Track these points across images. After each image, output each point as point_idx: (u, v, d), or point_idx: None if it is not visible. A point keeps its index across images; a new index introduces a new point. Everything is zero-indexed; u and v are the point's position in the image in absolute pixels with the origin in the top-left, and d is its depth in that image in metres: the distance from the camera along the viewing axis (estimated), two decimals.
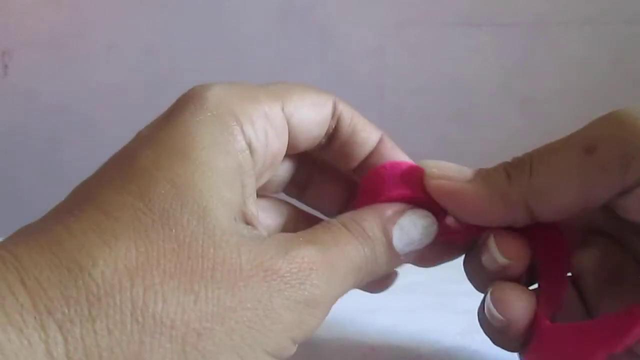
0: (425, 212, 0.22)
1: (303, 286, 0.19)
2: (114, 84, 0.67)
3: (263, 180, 0.23)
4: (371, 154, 0.25)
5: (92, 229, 0.16)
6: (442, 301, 0.36)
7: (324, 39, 0.66)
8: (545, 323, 0.21)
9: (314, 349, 0.31)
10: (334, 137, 0.24)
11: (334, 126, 0.24)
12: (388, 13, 0.66)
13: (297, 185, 0.26)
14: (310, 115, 0.23)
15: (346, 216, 0.22)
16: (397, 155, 0.25)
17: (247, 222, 0.19)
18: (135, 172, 0.18)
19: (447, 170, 0.22)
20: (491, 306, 0.22)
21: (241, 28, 0.66)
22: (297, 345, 0.19)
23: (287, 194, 0.26)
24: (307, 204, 0.27)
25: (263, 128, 0.21)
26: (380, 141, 0.25)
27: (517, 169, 0.21)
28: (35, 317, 0.15)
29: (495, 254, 0.22)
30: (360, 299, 0.37)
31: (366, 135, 0.24)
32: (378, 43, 0.66)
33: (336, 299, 0.20)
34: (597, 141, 0.19)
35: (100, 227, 0.16)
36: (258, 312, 0.17)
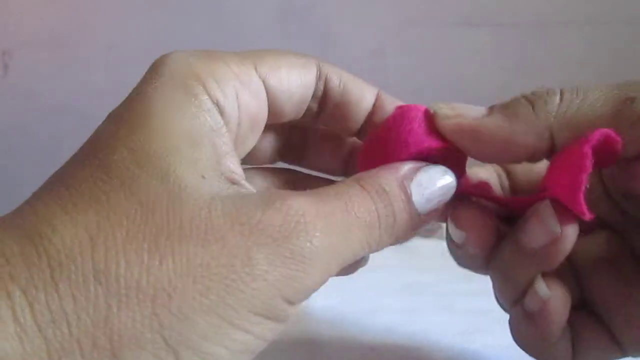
0: (442, 168, 0.21)
1: (288, 239, 0.17)
2: (114, 84, 0.67)
3: (249, 145, 0.22)
4: (372, 113, 0.23)
5: (54, 201, 0.17)
6: (442, 301, 0.36)
7: (324, 39, 0.66)
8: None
9: (314, 349, 0.31)
10: (325, 101, 0.23)
11: (322, 89, 0.23)
12: (388, 13, 0.66)
13: (293, 151, 0.25)
14: (290, 77, 0.22)
15: (359, 175, 0.20)
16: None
17: (229, 180, 0.18)
18: (96, 145, 0.18)
19: (461, 108, 0.21)
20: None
21: (241, 28, 0.66)
22: (295, 306, 0.17)
23: (285, 161, 0.26)
24: (308, 167, 0.26)
25: (232, 87, 0.20)
26: (377, 98, 0.23)
27: (543, 98, 0.20)
28: (0, 287, 0.15)
29: (453, 231, 0.22)
30: (360, 299, 0.37)
31: (359, 93, 0.23)
32: (378, 43, 0.66)
33: (341, 257, 0.18)
34: (638, 94, 0.19)
35: (61, 198, 0.17)
36: (235, 269, 0.16)
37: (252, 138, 0.22)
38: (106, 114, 0.21)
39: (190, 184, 0.17)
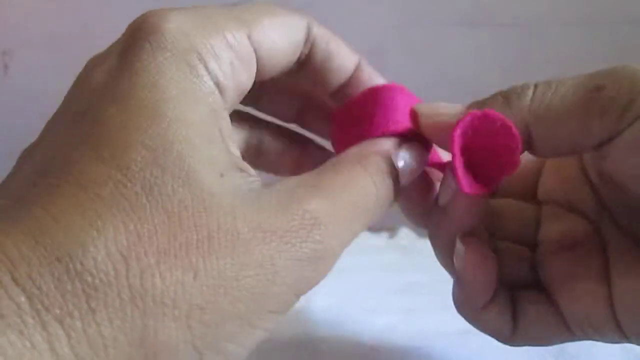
0: (416, 144, 0.22)
1: (305, 244, 0.18)
2: None
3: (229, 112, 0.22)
4: (348, 80, 0.24)
5: (75, 209, 0.15)
6: (442, 301, 0.36)
7: None
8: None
9: (314, 349, 0.31)
10: (306, 63, 0.23)
11: (306, 52, 0.22)
12: (388, 13, 0.66)
13: (249, 94, 0.25)
14: (282, 42, 0.21)
15: (354, 152, 0.21)
16: (375, 81, 0.24)
17: (238, 169, 0.18)
18: (102, 134, 0.16)
19: (440, 108, 0.22)
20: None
21: None
22: (300, 297, 0.18)
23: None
24: (261, 111, 0.25)
25: (229, 61, 0.19)
26: (357, 68, 0.24)
27: (516, 94, 0.21)
28: (33, 317, 0.14)
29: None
30: (360, 299, 0.37)
31: (341, 62, 0.23)
32: (378, 43, 0.66)
33: (344, 248, 0.19)
34: (607, 82, 0.20)
35: (83, 206, 0.15)
36: (260, 278, 0.17)
37: (234, 106, 0.22)
38: None
39: (212, 187, 0.17)
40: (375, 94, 0.23)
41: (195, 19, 0.19)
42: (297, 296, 0.18)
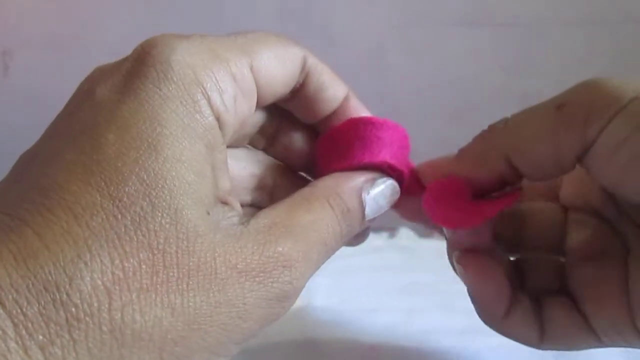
0: (391, 182, 0.24)
1: (275, 284, 0.19)
2: None
3: (231, 142, 0.22)
4: (335, 110, 0.25)
5: (65, 238, 0.16)
6: (442, 301, 0.36)
7: (324, 39, 0.66)
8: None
9: (314, 349, 0.31)
10: (299, 92, 0.24)
11: (301, 82, 0.23)
12: (388, 13, 0.66)
13: (265, 137, 0.26)
14: (280, 72, 0.22)
15: (326, 186, 0.22)
16: (361, 113, 0.25)
17: (222, 202, 0.19)
18: (99, 161, 0.17)
19: (436, 162, 0.25)
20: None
21: (241, 28, 0.66)
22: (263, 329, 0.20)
23: (252, 146, 0.26)
24: (273, 156, 0.26)
25: (233, 94, 0.20)
26: (345, 98, 0.25)
27: (491, 129, 0.23)
28: (17, 342, 0.15)
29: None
30: (360, 299, 0.37)
31: (333, 93, 0.24)
32: (378, 43, 0.66)
33: (307, 281, 0.21)
34: (567, 100, 0.21)
35: (73, 235, 0.16)
36: (232, 315, 0.18)
37: (236, 135, 0.22)
38: None
39: (197, 226, 0.18)
40: (357, 125, 0.24)
41: (201, 49, 0.19)
42: (261, 329, 0.19)
